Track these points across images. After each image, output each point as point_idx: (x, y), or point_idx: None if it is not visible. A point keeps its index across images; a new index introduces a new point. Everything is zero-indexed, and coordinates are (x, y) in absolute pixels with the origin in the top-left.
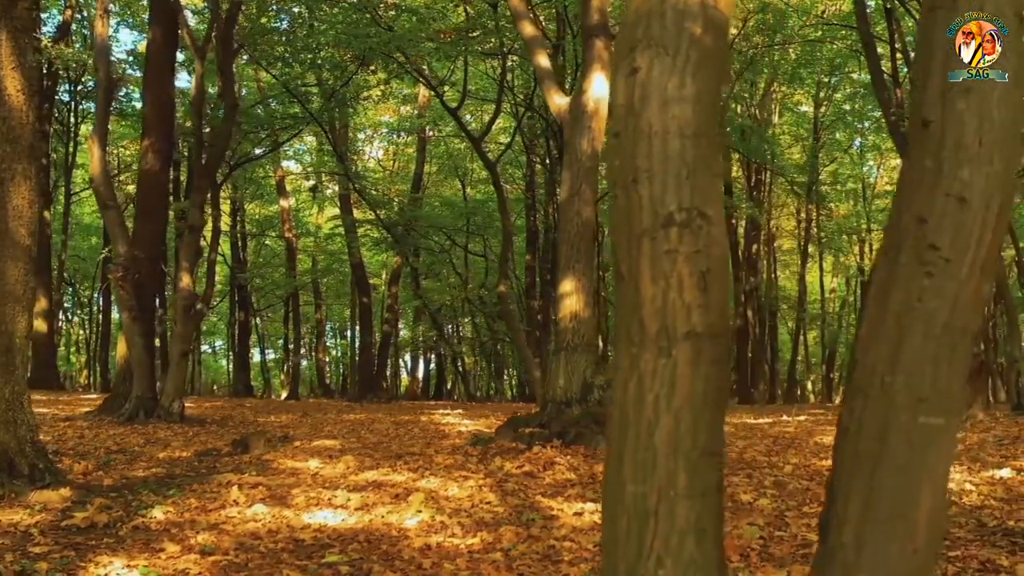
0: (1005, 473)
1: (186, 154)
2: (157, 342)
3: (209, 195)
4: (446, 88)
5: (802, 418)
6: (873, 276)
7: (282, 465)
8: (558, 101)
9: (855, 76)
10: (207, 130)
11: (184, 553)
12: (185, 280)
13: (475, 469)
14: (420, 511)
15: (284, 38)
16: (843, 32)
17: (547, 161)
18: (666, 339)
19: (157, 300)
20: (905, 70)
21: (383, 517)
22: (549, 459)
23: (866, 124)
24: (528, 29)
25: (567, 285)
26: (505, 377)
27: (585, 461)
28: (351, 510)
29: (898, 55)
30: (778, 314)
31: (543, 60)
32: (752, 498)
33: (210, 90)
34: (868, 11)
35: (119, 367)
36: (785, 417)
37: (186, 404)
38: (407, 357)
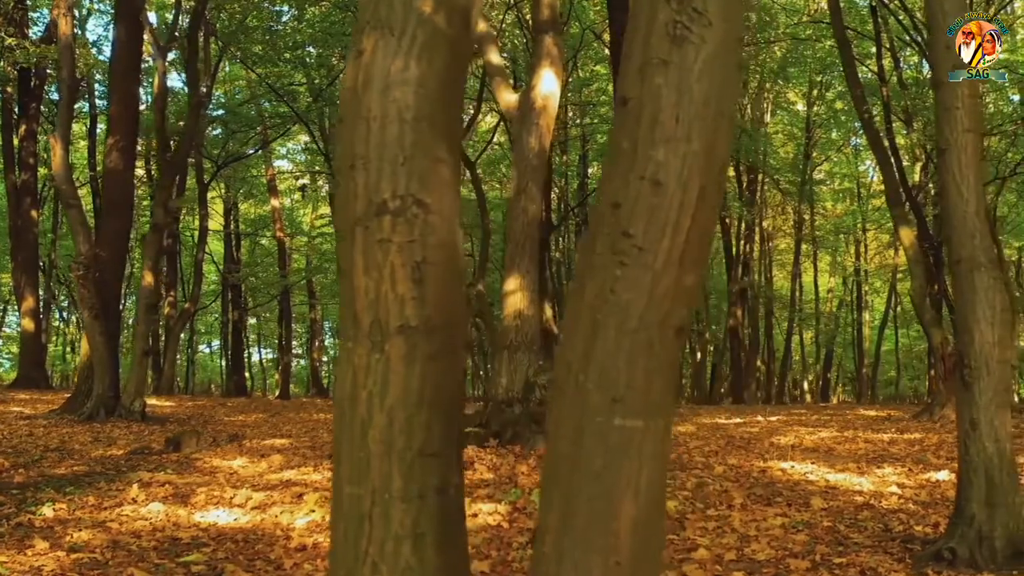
0: (942, 476)
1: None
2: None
3: (197, 194)
4: None
5: (775, 418)
6: (576, 267)
7: (206, 464)
8: (507, 98)
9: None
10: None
11: (52, 550)
12: (147, 278)
13: None
14: (313, 511)
15: (266, 36)
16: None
17: None
18: (379, 333)
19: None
20: (893, 67)
21: (276, 517)
22: (469, 459)
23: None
24: (480, 26)
25: (511, 283)
26: None
27: (516, 461)
28: (247, 509)
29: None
30: (773, 314)
31: (494, 57)
32: None
33: (202, 89)
34: (863, 9)
35: (81, 365)
36: (759, 418)
37: (167, 403)
38: None
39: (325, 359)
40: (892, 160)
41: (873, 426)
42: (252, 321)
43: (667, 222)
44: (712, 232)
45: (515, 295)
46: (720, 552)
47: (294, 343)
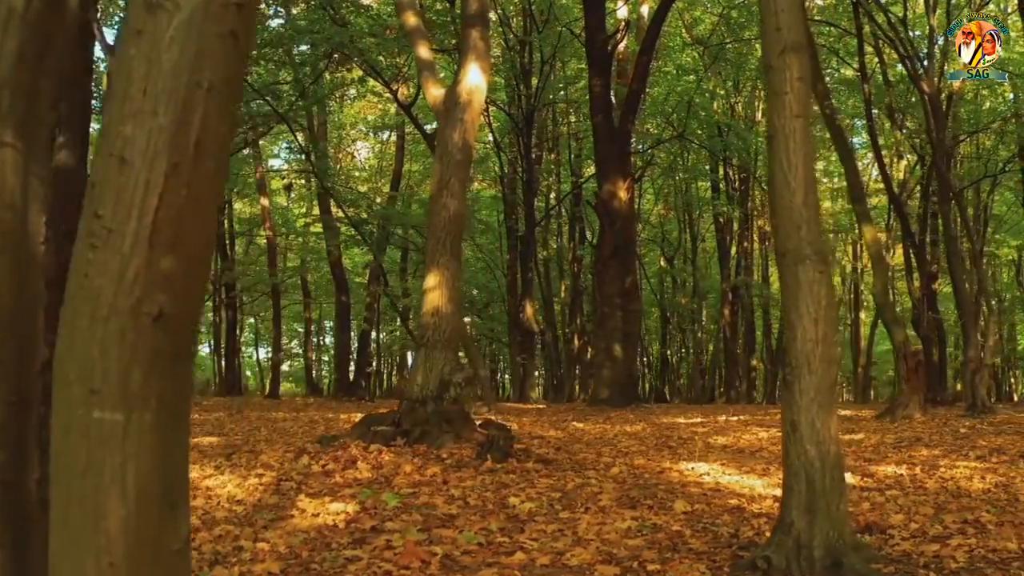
0: (847, 478)
1: None
2: None
3: None
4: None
5: (736, 418)
6: None
7: None
8: (434, 93)
9: (836, 72)
10: None
11: None
12: None
13: (278, 467)
14: None
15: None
16: (824, 29)
17: (518, 158)
18: None
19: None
20: (878, 63)
21: None
22: (352, 458)
23: (859, 122)
24: (411, 20)
25: (431, 280)
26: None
27: (412, 460)
28: None
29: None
30: (770, 313)
31: (423, 51)
32: (521, 500)
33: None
34: (848, 5)
35: None
36: (721, 417)
37: None
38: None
39: (326, 358)
40: (854, 156)
41: None
42: (251, 320)
43: (133, 202)
44: (201, 213)
45: (434, 292)
46: (536, 556)
47: (294, 341)
